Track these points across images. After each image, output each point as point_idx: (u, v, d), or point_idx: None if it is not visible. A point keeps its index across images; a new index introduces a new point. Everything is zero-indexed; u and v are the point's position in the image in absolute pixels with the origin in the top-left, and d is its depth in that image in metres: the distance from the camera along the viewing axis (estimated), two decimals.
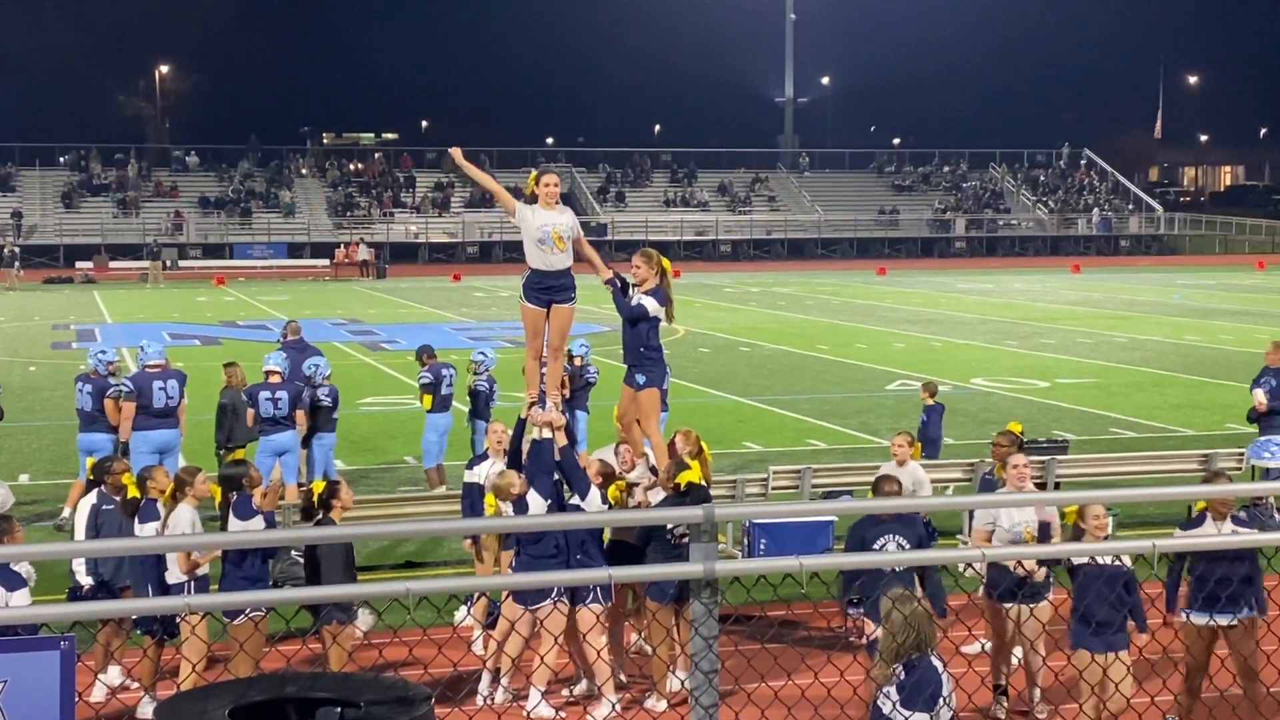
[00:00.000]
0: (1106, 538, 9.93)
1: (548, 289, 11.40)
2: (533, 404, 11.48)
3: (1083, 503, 10.15)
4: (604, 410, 18.79)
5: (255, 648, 10.38)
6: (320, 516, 10.97)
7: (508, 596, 11.36)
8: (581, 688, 11.56)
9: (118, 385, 16.59)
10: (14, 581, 9.54)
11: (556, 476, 11.43)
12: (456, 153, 12.05)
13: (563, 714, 10.96)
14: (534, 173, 11.98)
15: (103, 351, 17.09)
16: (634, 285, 12.04)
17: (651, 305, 11.87)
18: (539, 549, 11.06)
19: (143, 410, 16.33)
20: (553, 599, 10.94)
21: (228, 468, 11.62)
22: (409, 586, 4.49)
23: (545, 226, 11.27)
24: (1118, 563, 9.83)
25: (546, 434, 11.34)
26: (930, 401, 18.27)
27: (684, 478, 11.21)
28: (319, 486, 11.08)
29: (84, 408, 16.60)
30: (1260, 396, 17.59)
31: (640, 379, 11.99)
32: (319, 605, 10.54)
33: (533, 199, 11.55)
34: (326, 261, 65.64)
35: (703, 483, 11.34)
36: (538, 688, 10.92)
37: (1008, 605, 10.94)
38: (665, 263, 12.20)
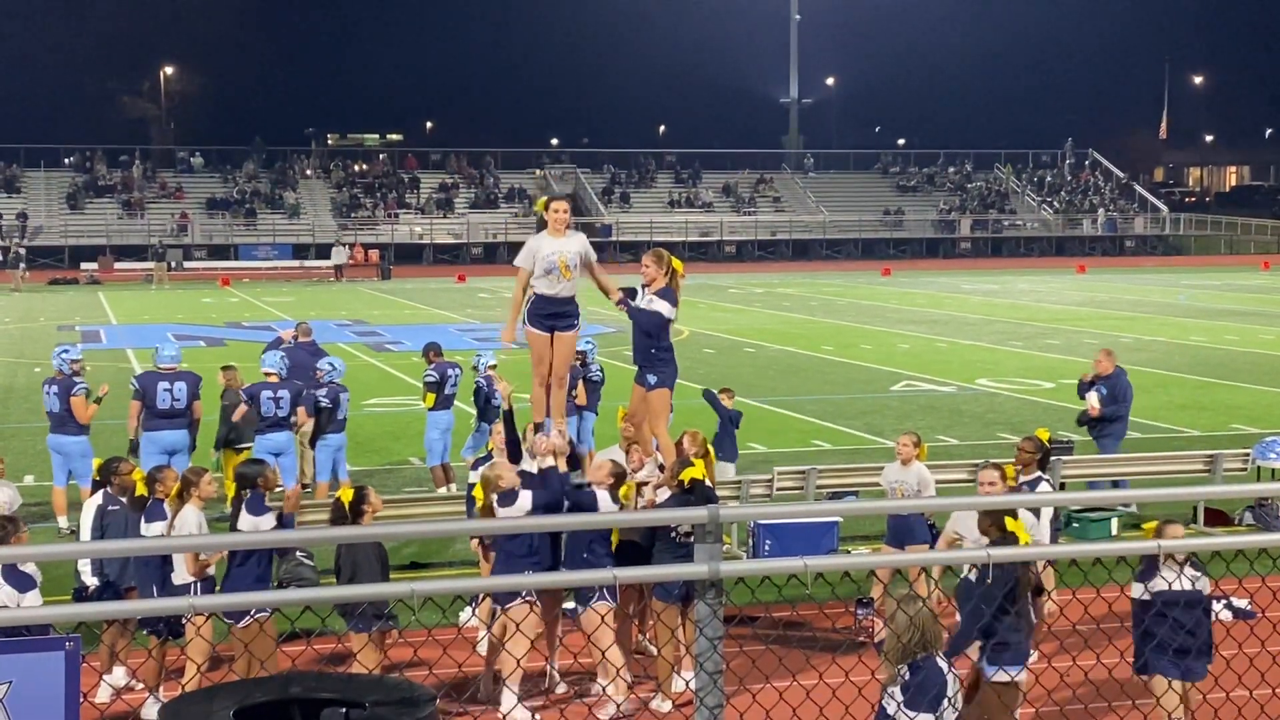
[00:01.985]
0: (1184, 561, 9.48)
1: (552, 315, 11.52)
2: (537, 428, 11.54)
3: (1163, 521, 9.80)
4: (610, 411, 18.78)
5: (262, 650, 10.36)
6: (351, 523, 10.89)
7: (484, 598, 11.32)
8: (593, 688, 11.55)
9: (82, 383, 16.63)
10: (25, 583, 9.55)
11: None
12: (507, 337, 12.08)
13: (538, 717, 10.89)
14: (543, 198, 12.08)
15: (65, 351, 17.15)
16: (643, 285, 12.07)
17: (665, 309, 11.89)
18: (514, 545, 11.05)
19: (147, 410, 16.38)
20: (523, 598, 10.89)
21: (245, 465, 11.62)
22: (414, 587, 4.49)
23: (552, 255, 11.41)
24: (1196, 587, 9.32)
25: (549, 461, 11.33)
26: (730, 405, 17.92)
27: (688, 475, 11.21)
28: (347, 495, 10.99)
29: (53, 409, 16.66)
30: (1093, 401, 17.67)
31: (651, 379, 12.02)
32: (351, 610, 10.49)
33: (542, 224, 11.67)
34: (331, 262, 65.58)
35: (707, 480, 11.34)
36: (511, 689, 10.85)
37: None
38: (677, 263, 12.19)
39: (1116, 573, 9.31)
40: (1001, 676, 9.09)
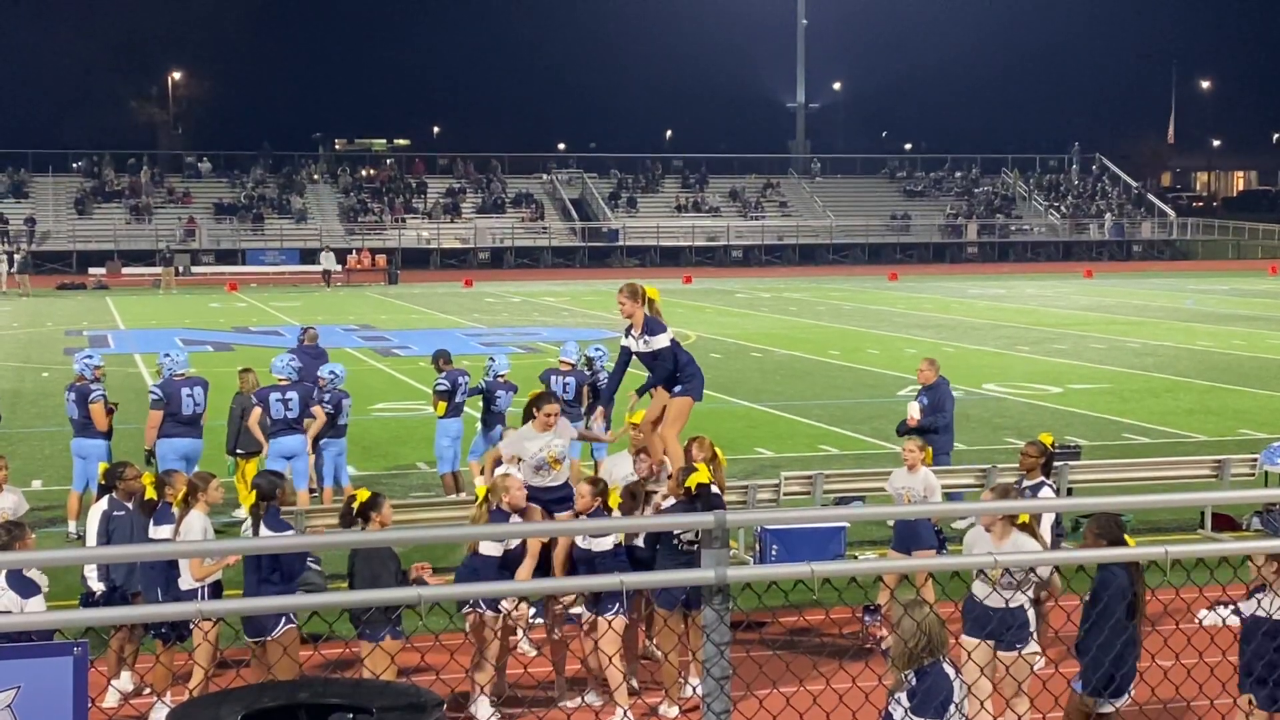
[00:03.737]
0: None
1: (546, 503, 11.61)
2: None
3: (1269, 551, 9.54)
4: (619, 419, 18.77)
5: (287, 666, 10.32)
6: (360, 527, 10.84)
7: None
8: (590, 697, 11.54)
9: (101, 390, 16.63)
10: (29, 588, 9.55)
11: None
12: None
13: None
14: (533, 393, 12.13)
15: (89, 357, 17.09)
16: (628, 329, 12.13)
17: (664, 341, 11.94)
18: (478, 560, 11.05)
19: (170, 418, 16.36)
20: (470, 608, 10.88)
21: (262, 477, 11.56)
22: (421, 592, 4.50)
23: (540, 453, 11.65)
24: None
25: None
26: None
27: (692, 480, 11.21)
28: (364, 495, 10.97)
29: (72, 415, 16.65)
30: (913, 411, 17.05)
31: (677, 388, 12.08)
32: (359, 618, 10.44)
33: (529, 416, 11.69)
34: (339, 268, 65.64)
35: (711, 483, 11.32)
36: (485, 694, 10.82)
37: (977, 642, 10.01)
38: (652, 291, 12.28)
39: None
40: (1106, 708, 8.90)
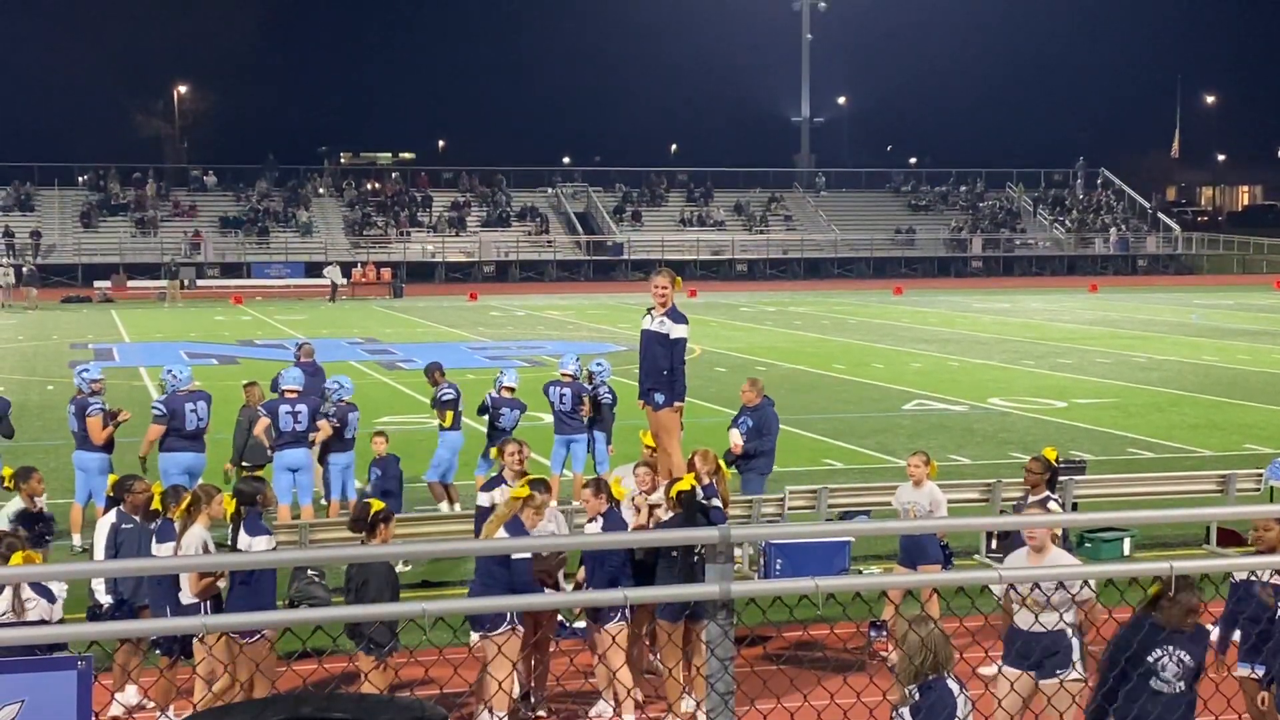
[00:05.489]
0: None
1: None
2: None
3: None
4: (622, 432, 18.77)
5: (269, 667, 10.35)
6: (364, 536, 10.86)
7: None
8: (598, 708, 11.52)
9: (99, 403, 16.64)
10: (52, 596, 9.65)
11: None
12: None
13: None
14: (526, 488, 11.90)
15: (86, 370, 17.15)
16: (651, 309, 12.17)
17: (683, 331, 12.00)
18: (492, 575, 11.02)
19: (174, 432, 16.35)
20: (509, 625, 10.83)
21: (244, 482, 11.59)
22: (425, 607, 4.49)
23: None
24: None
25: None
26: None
27: (674, 490, 11.20)
28: (377, 505, 10.99)
29: (74, 428, 16.73)
30: (735, 439, 16.09)
31: (659, 398, 12.08)
32: (359, 631, 10.43)
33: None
34: (344, 281, 65.62)
35: (693, 488, 11.29)
36: (498, 713, 10.79)
37: (1018, 673, 9.52)
38: (678, 281, 12.47)
39: (1129, 593, 9.25)
40: None
